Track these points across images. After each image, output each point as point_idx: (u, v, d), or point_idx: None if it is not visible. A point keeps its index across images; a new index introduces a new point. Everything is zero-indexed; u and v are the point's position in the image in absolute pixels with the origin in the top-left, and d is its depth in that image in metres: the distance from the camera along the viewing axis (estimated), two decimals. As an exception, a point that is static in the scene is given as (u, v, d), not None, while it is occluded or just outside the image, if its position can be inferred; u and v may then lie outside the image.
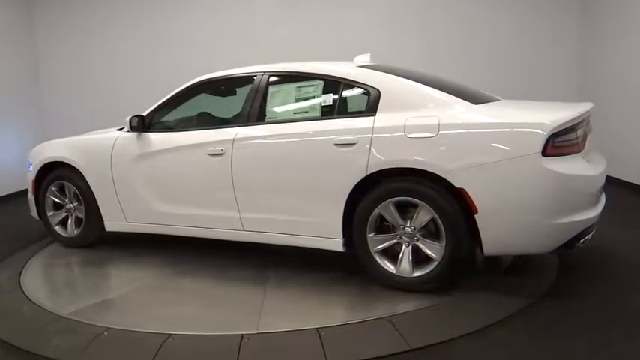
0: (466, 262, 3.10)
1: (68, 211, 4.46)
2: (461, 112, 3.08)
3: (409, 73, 3.54)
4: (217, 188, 3.65)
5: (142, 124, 3.94)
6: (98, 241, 4.46)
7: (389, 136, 3.10)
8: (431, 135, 2.99)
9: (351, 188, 3.19)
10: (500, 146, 2.86)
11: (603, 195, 3.34)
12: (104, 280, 3.93)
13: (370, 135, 3.13)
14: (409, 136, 3.04)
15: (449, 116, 3.02)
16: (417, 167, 3.01)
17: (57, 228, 4.51)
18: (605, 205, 3.19)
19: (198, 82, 3.96)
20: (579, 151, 2.95)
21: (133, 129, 3.93)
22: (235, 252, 4.00)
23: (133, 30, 7.41)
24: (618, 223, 4.27)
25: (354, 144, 3.16)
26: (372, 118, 3.19)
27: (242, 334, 2.72)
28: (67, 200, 4.44)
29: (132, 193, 4.04)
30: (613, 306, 2.97)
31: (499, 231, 2.93)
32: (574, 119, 2.88)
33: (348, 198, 3.21)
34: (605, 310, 2.91)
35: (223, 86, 4.02)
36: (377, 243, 3.21)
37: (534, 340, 2.62)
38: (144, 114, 4.02)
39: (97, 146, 4.22)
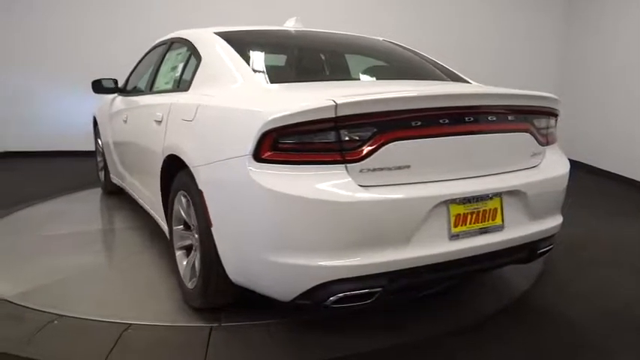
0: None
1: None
2: (233, 92, 2.33)
3: (286, 40, 2.81)
4: (130, 154, 3.68)
5: (103, 86, 4.12)
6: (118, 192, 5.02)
7: (174, 117, 2.60)
8: (189, 119, 2.38)
9: (159, 171, 2.81)
10: (227, 141, 2.09)
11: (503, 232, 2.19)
12: (61, 257, 3.35)
13: (167, 114, 2.68)
14: (182, 118, 2.48)
15: (212, 97, 2.33)
16: (181, 157, 2.45)
17: (100, 174, 5.27)
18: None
19: (154, 45, 3.97)
20: (343, 161, 1.89)
21: (94, 90, 4.21)
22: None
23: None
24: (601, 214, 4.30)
25: (159, 122, 2.76)
26: (183, 93, 2.71)
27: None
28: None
29: (113, 152, 4.40)
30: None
31: (232, 256, 2.18)
32: (325, 109, 1.84)
33: (162, 182, 2.84)
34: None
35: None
36: (179, 239, 2.76)
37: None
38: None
39: (103, 105, 4.70)
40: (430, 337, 2.37)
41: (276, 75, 2.49)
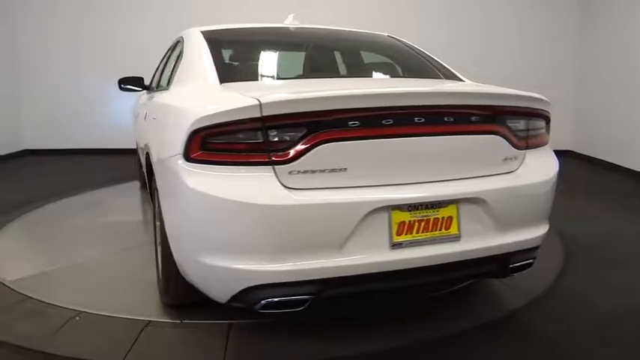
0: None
1: (142, 152, 5.37)
2: (189, 91, 2.34)
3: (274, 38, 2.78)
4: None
5: (128, 84, 4.27)
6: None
7: (150, 115, 2.66)
8: (155, 117, 2.42)
9: (144, 165, 2.89)
10: (169, 140, 2.09)
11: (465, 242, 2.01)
12: (84, 249, 3.46)
13: (147, 112, 2.74)
14: (152, 116, 2.53)
15: (172, 95, 2.36)
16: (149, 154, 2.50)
17: (138, 168, 5.52)
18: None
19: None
20: (271, 162, 1.82)
21: (120, 88, 4.38)
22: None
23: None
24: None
25: (145, 119, 2.84)
26: (163, 92, 2.76)
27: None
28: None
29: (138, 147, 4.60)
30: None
31: (175, 254, 2.18)
32: (249, 108, 1.78)
33: (148, 178, 2.92)
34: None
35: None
36: (159, 235, 2.83)
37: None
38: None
39: (136, 99, 4.91)
40: (441, 336, 2.32)
41: (239, 74, 2.47)
